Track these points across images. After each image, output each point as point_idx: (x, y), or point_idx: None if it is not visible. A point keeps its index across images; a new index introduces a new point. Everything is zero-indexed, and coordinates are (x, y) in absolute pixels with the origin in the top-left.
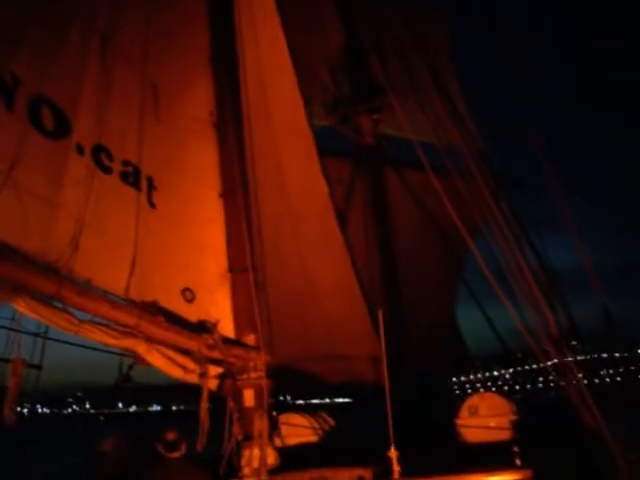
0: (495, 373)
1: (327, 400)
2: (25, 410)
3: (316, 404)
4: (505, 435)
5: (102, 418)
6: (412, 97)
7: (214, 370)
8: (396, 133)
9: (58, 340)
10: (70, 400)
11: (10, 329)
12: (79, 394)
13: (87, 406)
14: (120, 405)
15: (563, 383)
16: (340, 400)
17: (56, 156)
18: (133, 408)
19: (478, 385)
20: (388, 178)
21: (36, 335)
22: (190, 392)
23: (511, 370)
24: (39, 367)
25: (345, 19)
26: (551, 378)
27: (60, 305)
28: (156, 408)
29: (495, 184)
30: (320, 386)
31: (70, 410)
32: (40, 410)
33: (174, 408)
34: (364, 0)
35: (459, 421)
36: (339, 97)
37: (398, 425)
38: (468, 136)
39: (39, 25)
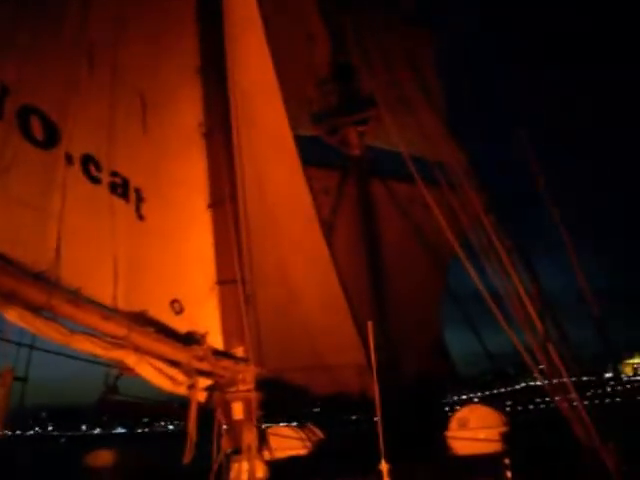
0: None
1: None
2: None
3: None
4: (495, 447)
5: (63, 440)
6: (399, 109)
7: (203, 382)
8: (382, 145)
9: (45, 350)
10: (31, 422)
11: None
12: (43, 415)
13: (49, 428)
14: (84, 427)
15: (557, 398)
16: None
17: (46, 165)
18: (97, 430)
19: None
20: (375, 189)
21: (27, 346)
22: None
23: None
24: (24, 380)
25: (333, 31)
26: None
27: (50, 315)
28: (120, 430)
29: (484, 197)
30: (307, 397)
31: (32, 432)
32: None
33: (139, 430)
34: (352, 12)
35: (449, 433)
36: (326, 108)
37: (387, 437)
38: (456, 148)
39: (28, 35)
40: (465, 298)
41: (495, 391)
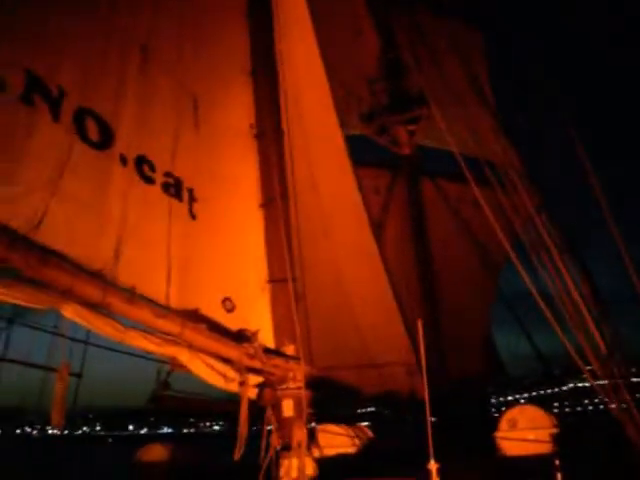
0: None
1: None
2: (35, 431)
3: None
4: (545, 448)
5: (110, 440)
6: (450, 108)
7: (253, 380)
8: (432, 144)
9: (99, 345)
10: (80, 422)
11: (56, 334)
12: (90, 416)
13: (97, 428)
14: (131, 427)
15: (607, 400)
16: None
17: (101, 166)
18: (144, 430)
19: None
20: (424, 188)
21: (81, 342)
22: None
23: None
24: (79, 375)
25: (382, 28)
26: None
27: (105, 312)
28: (167, 430)
29: (537, 197)
30: (356, 396)
31: (80, 432)
32: (50, 432)
33: (186, 431)
34: (402, 11)
35: (498, 434)
36: (376, 107)
37: (436, 436)
38: (508, 146)
39: (82, 38)
40: (512, 298)
41: (542, 392)
